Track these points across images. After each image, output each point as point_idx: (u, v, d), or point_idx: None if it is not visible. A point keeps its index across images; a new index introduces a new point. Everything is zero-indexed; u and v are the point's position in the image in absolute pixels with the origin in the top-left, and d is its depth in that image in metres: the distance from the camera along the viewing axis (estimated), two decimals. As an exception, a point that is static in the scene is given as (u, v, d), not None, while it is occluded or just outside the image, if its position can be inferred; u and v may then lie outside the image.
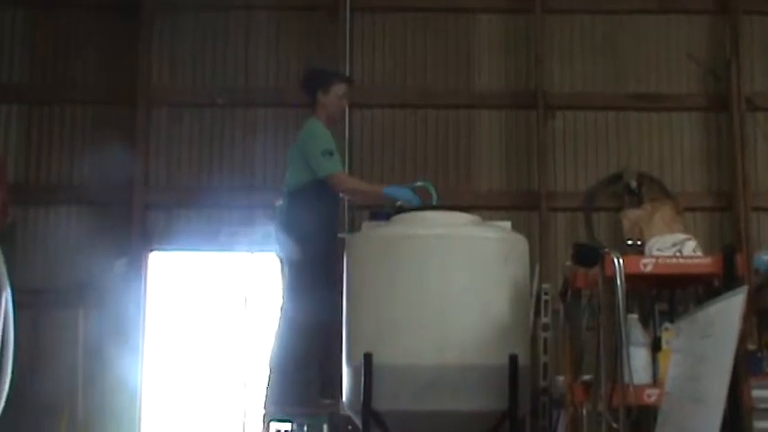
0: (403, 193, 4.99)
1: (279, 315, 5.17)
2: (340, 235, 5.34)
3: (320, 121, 5.23)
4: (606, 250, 4.02)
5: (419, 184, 5.35)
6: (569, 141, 7.77)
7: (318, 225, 5.09)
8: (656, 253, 4.28)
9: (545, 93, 7.71)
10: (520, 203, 7.64)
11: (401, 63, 7.85)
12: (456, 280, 4.30)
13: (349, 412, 4.56)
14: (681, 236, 4.49)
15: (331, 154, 5.03)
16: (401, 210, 4.97)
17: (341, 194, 5.40)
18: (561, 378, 5.77)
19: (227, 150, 7.65)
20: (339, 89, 5.23)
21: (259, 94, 7.72)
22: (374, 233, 4.66)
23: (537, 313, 6.69)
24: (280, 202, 5.28)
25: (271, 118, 7.68)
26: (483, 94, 7.82)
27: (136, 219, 7.42)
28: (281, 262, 5.23)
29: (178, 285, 7.58)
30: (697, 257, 4.22)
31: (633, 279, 4.03)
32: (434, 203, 5.21)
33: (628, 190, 7.58)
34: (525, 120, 7.78)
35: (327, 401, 5.15)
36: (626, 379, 3.82)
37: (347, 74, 7.16)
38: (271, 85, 7.74)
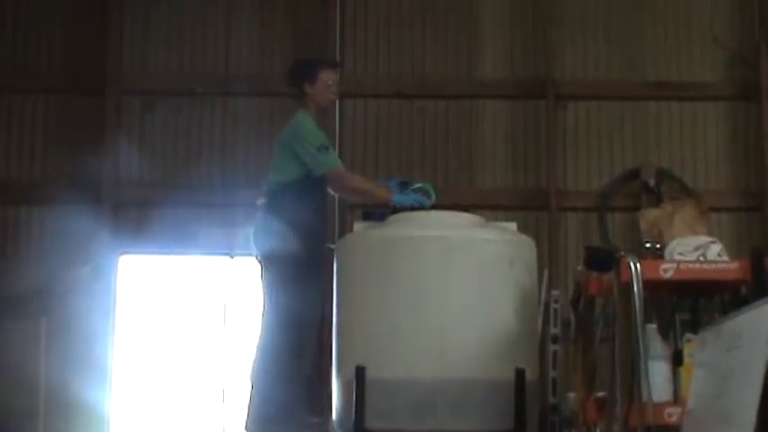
0: (412, 199, 4.98)
1: (260, 322, 5.15)
2: (329, 245, 5.33)
3: (310, 113, 5.23)
4: (622, 254, 4.00)
5: (419, 185, 5.34)
6: (581, 134, 7.76)
7: (304, 222, 5.08)
8: (677, 257, 4.25)
9: (555, 81, 7.70)
10: (527, 203, 7.63)
11: (396, 48, 7.83)
12: (457, 286, 4.29)
13: (339, 432, 4.55)
14: (704, 238, 4.47)
15: (327, 149, 5.07)
16: (397, 209, 4.95)
17: (336, 193, 5.39)
18: (572, 395, 5.76)
19: (206, 144, 7.63)
20: (326, 77, 5.23)
21: (241, 82, 7.69)
22: (367, 235, 4.64)
23: (546, 323, 6.68)
24: (261, 201, 5.27)
25: (254, 108, 7.65)
26: (487, 82, 7.81)
27: (104, 219, 7.38)
28: (261, 264, 5.22)
29: (151, 292, 7.55)
30: (722, 262, 4.19)
31: (652, 286, 4.00)
32: (434, 203, 5.19)
33: (646, 188, 7.56)
34: (533, 111, 7.76)
35: (316, 420, 5.10)
36: (644, 396, 3.79)
37: (336, 59, 7.13)
38: (254, 72, 7.72)
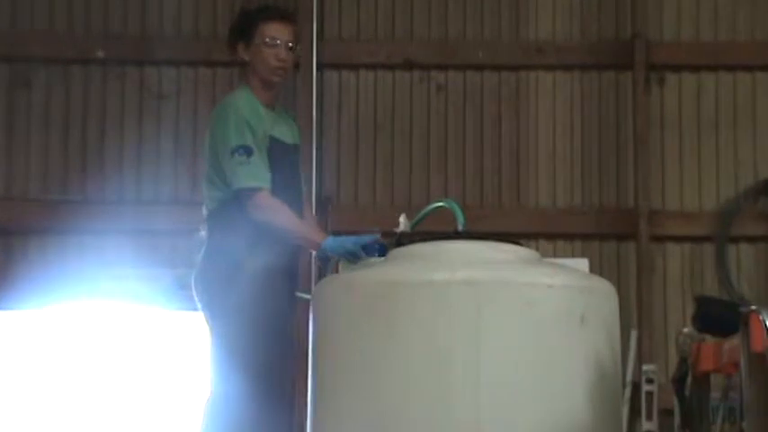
0: (357, 246, 4.94)
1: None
2: (301, 295, 5.32)
3: (250, 91, 5.29)
4: (753, 308, 3.98)
5: (438, 204, 5.32)
6: (688, 125, 7.77)
7: (255, 271, 5.09)
8: (839, 313, 4.24)
9: (648, 43, 7.71)
10: (604, 229, 7.64)
11: (405, -1, 7.91)
12: (496, 358, 4.22)
13: None
14: None
15: (248, 153, 5.07)
16: (404, 238, 4.92)
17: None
18: None
19: (113, 135, 7.65)
20: (266, 30, 5.30)
21: (167, 44, 7.75)
22: (359, 279, 4.58)
23: (635, 413, 6.67)
24: (202, 233, 5.29)
25: (188, 84, 7.72)
26: (542, 46, 7.84)
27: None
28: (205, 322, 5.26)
29: (27, 362, 7.55)
30: None
31: (800, 357, 3.98)
32: (461, 230, 5.17)
33: (789, 207, 7.58)
34: (613, 89, 7.80)
35: None
36: None
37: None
38: (186, 29, 7.78)
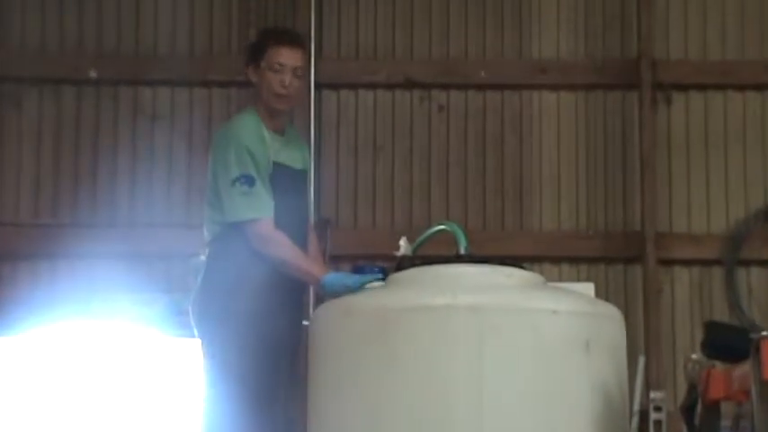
0: (357, 285, 4.92)
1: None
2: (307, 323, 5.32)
3: (255, 115, 5.27)
4: (763, 334, 3.96)
5: (440, 227, 5.31)
6: (696, 145, 7.75)
7: (253, 298, 5.08)
8: None
9: (654, 61, 7.70)
10: (610, 252, 7.63)
11: (404, 16, 7.88)
12: (500, 385, 4.21)
13: None
14: None
15: (250, 183, 5.04)
16: (405, 262, 4.91)
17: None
18: None
19: (107, 157, 7.65)
20: (271, 56, 5.28)
21: (161, 64, 7.76)
22: (358, 304, 4.56)
23: (642, 443, 6.65)
24: (202, 257, 5.28)
25: (182, 104, 7.72)
26: (546, 65, 7.84)
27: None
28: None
29: (23, 385, 7.48)
30: None
31: (814, 384, 3.96)
32: (464, 253, 5.16)
33: (800, 229, 7.55)
34: (619, 108, 7.80)
35: None
36: None
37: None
38: (180, 48, 7.79)
